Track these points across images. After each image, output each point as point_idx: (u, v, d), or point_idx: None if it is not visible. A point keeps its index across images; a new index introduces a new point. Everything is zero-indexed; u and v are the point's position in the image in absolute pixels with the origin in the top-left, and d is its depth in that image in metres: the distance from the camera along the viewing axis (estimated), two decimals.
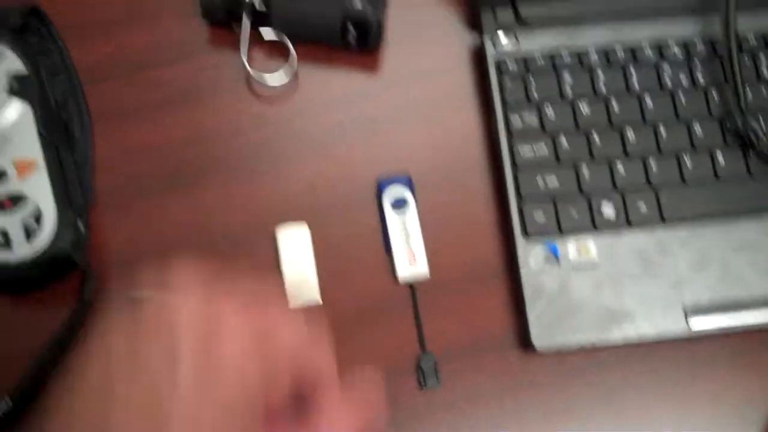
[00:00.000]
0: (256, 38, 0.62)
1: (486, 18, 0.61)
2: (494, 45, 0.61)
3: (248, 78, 0.62)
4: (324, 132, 0.62)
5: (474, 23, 0.64)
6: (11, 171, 0.54)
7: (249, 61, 0.61)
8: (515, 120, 0.59)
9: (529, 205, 0.57)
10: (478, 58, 0.63)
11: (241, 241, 0.59)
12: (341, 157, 0.61)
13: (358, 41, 0.60)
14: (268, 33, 0.61)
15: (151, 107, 0.62)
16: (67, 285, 0.57)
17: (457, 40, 0.64)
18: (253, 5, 0.60)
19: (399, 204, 0.58)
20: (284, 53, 0.62)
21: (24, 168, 0.54)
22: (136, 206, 0.60)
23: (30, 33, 0.60)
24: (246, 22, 0.60)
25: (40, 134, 0.55)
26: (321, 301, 0.57)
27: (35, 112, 0.55)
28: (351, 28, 0.59)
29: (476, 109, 0.62)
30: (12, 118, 0.55)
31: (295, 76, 0.62)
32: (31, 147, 0.55)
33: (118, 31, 0.64)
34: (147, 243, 0.59)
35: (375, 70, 0.63)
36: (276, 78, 0.61)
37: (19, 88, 0.55)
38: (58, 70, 0.60)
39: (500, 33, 0.61)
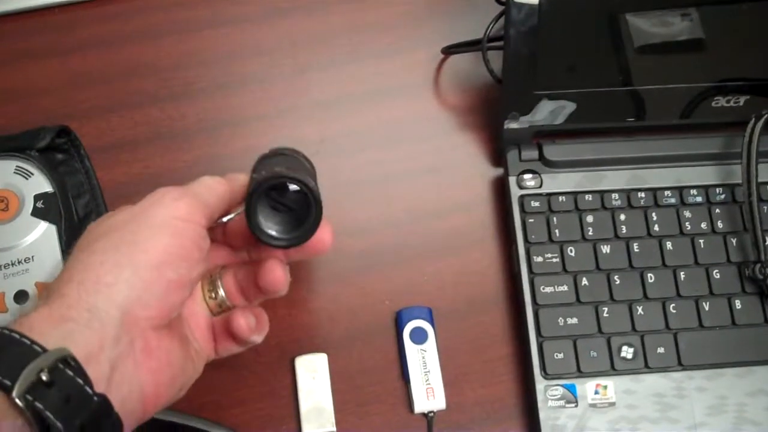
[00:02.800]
0: None
1: (511, 157, 0.71)
2: (518, 183, 0.70)
3: None
4: (345, 261, 0.70)
5: (498, 160, 0.73)
6: (32, 292, 0.62)
7: None
8: (537, 258, 0.67)
9: (549, 344, 0.65)
10: (500, 192, 0.72)
11: (258, 366, 0.66)
12: (361, 287, 0.69)
13: None
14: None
15: None
16: None
17: (479, 174, 0.73)
18: None
19: (418, 335, 0.66)
20: None
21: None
22: None
23: (58, 152, 0.69)
24: None
25: (63, 254, 0.63)
26: (336, 430, 0.64)
27: (59, 232, 0.64)
28: None
29: (497, 242, 0.71)
30: (36, 239, 0.63)
31: None
32: (53, 267, 0.62)
33: (143, 151, 0.73)
34: None
35: (396, 201, 0.72)
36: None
37: (44, 208, 0.64)
38: (83, 189, 0.69)
39: (525, 174, 0.70)
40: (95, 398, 0.41)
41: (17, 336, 0.40)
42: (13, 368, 0.38)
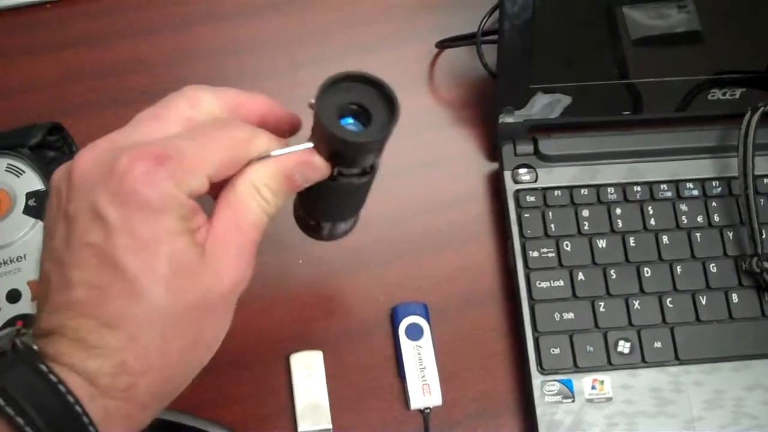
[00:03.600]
0: None
1: (506, 151, 0.70)
2: (513, 178, 0.70)
3: None
4: (339, 257, 0.70)
5: (493, 154, 0.73)
6: (26, 292, 0.62)
7: None
8: (533, 253, 0.67)
9: (546, 339, 0.65)
10: (495, 187, 0.72)
11: (254, 364, 0.66)
12: (356, 283, 0.69)
13: None
14: None
15: None
16: None
17: (474, 168, 0.73)
18: None
19: (414, 332, 0.66)
20: None
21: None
22: None
23: (50, 149, 0.68)
24: None
25: None
26: (332, 427, 0.64)
27: None
28: None
29: (492, 237, 0.71)
30: (27, 238, 0.63)
31: None
32: None
33: None
34: None
35: (391, 197, 0.72)
36: None
37: (35, 206, 0.64)
38: None
39: (521, 169, 0.70)
40: None
41: None
42: None
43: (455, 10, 0.78)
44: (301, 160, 0.43)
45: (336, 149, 0.43)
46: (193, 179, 0.40)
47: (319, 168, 0.44)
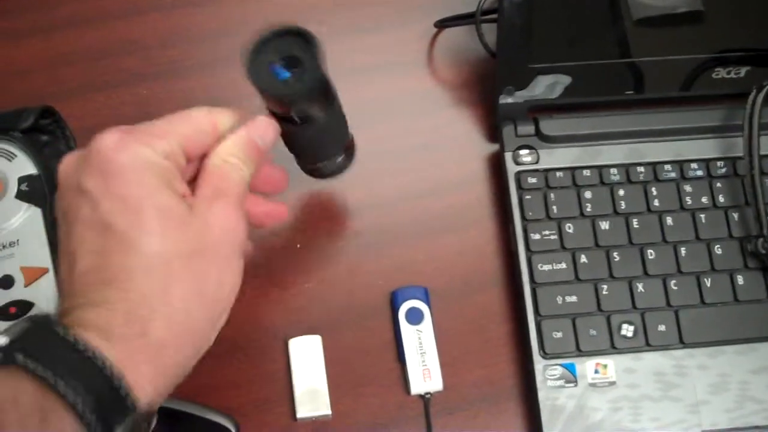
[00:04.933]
0: None
1: (507, 132, 0.70)
2: (514, 159, 0.70)
3: None
4: (338, 241, 0.69)
5: (494, 136, 0.72)
6: (19, 277, 0.61)
7: None
8: (535, 236, 0.67)
9: (548, 323, 0.64)
10: (496, 168, 0.71)
11: (252, 348, 0.66)
12: (355, 267, 0.69)
13: None
14: None
15: None
16: None
17: (474, 150, 0.73)
18: None
19: (414, 316, 0.66)
20: None
21: (31, 275, 0.60)
22: None
23: (42, 132, 0.68)
24: None
25: (48, 237, 0.62)
26: (331, 412, 0.64)
27: (44, 215, 0.63)
28: None
29: (493, 220, 0.70)
30: (20, 222, 0.62)
31: None
32: (39, 251, 0.61)
33: None
34: None
35: (390, 179, 0.71)
36: None
37: (28, 190, 0.63)
38: None
39: (522, 150, 0.69)
40: None
41: None
42: None
43: None
44: (253, 126, 0.51)
45: (278, 101, 0.51)
46: (162, 142, 0.45)
47: (270, 127, 0.52)
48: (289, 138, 0.56)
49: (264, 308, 0.67)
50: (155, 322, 0.42)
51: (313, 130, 0.55)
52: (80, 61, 0.75)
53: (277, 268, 0.68)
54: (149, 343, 0.42)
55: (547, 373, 0.63)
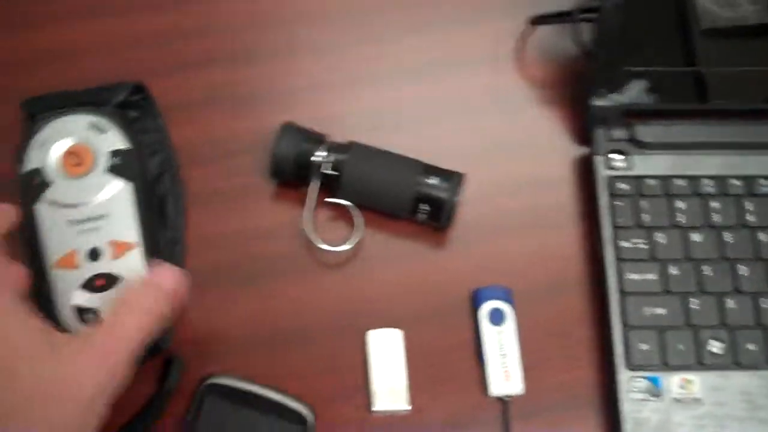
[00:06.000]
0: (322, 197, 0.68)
1: (599, 136, 0.69)
2: (606, 164, 0.68)
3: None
4: (421, 237, 0.69)
5: (582, 138, 0.71)
6: (107, 250, 0.61)
7: (315, 217, 0.68)
8: (624, 243, 0.65)
9: (635, 333, 0.63)
10: (584, 171, 0.70)
11: (329, 339, 0.65)
12: (437, 263, 0.68)
13: (429, 218, 0.66)
14: (336, 199, 0.68)
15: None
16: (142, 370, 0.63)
17: (561, 151, 0.72)
18: (323, 171, 0.66)
19: (496, 316, 0.65)
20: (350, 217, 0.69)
21: (119, 248, 0.60)
22: (219, 295, 0.67)
23: (132, 108, 0.68)
24: (314, 186, 0.67)
25: (137, 212, 0.62)
26: (409, 407, 0.63)
27: (134, 190, 0.62)
28: (423, 206, 0.66)
29: (578, 223, 0.69)
30: (110, 196, 0.62)
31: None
32: (127, 225, 0.61)
33: (211, 111, 0.73)
34: (228, 333, 0.66)
35: (474, 177, 0.71)
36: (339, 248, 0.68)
37: (120, 164, 0.62)
38: (157, 149, 0.68)
39: (614, 155, 0.68)
40: None
41: None
42: None
43: None
44: None
45: None
46: None
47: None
48: None
49: (342, 297, 0.66)
50: None
51: None
52: (165, 43, 0.76)
53: (358, 259, 0.67)
54: None
55: (631, 384, 0.62)
